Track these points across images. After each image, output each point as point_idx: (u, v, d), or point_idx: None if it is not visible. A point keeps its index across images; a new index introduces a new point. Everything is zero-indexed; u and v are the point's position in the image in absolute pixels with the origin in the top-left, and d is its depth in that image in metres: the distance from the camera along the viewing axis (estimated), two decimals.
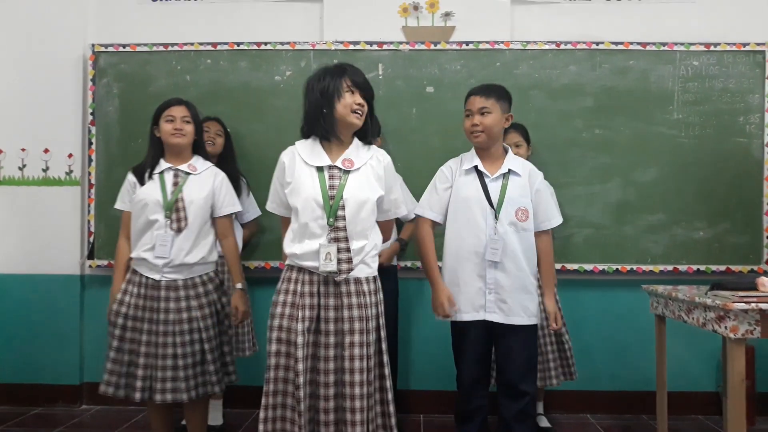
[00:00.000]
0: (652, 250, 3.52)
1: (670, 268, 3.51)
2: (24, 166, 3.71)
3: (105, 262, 3.60)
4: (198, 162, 2.73)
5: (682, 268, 3.50)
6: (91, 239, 3.64)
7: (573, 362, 3.14)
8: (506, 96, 2.53)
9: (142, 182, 2.66)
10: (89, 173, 3.65)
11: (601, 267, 3.52)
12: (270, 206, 2.35)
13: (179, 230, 2.59)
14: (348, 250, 2.14)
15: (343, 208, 2.15)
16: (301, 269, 2.18)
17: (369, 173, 2.23)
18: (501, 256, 2.42)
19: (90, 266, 3.65)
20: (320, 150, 2.22)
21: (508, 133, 3.16)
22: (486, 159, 2.53)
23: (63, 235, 3.68)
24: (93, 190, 3.64)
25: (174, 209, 2.60)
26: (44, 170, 3.70)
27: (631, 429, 3.36)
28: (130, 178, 2.71)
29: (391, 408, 2.18)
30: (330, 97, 2.17)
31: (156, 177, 2.66)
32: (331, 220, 2.14)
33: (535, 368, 2.52)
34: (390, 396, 2.19)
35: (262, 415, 2.13)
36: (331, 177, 2.19)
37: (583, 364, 3.37)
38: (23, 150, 3.70)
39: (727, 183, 3.52)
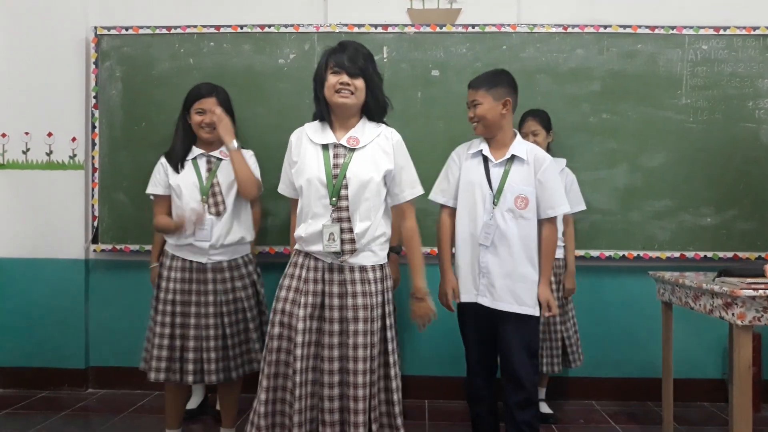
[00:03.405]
0: (659, 236, 3.49)
1: (677, 254, 3.48)
2: (27, 149, 3.69)
3: (109, 247, 3.60)
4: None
5: (689, 254, 3.47)
6: (95, 223, 3.63)
7: (561, 353, 3.17)
8: (501, 82, 2.46)
9: (176, 169, 2.67)
10: (93, 157, 3.63)
11: (607, 253, 3.49)
12: (280, 188, 2.35)
13: (218, 214, 2.63)
14: (351, 230, 2.12)
15: (346, 187, 2.12)
16: (307, 255, 2.17)
17: (376, 151, 2.19)
18: (494, 241, 2.42)
19: (94, 250, 3.64)
20: (327, 129, 2.21)
21: (525, 120, 3.14)
22: (493, 145, 2.53)
23: (67, 220, 3.67)
24: (97, 174, 3.62)
25: (211, 194, 2.64)
26: (48, 154, 3.69)
27: (637, 416, 3.35)
28: (163, 162, 2.71)
29: (396, 396, 2.17)
30: (319, 80, 2.20)
31: (189, 163, 2.68)
32: (333, 199, 2.12)
33: (535, 357, 2.50)
34: (395, 384, 2.17)
35: (262, 397, 2.12)
36: (336, 155, 2.17)
37: (589, 350, 3.37)
38: (26, 134, 3.68)
39: (736, 169, 3.48)
